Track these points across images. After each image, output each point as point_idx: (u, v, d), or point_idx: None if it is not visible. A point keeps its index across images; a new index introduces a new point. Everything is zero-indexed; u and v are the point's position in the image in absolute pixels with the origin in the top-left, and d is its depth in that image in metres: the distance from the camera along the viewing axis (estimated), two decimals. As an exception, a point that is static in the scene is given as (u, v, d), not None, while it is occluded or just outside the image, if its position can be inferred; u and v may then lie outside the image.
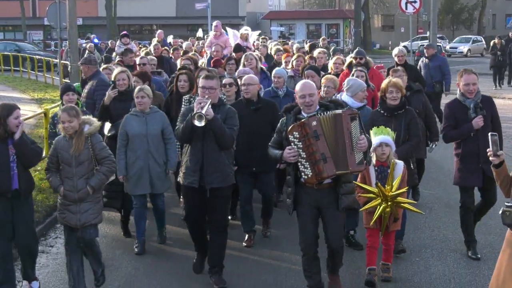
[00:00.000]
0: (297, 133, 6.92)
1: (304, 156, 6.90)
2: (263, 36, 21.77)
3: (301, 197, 7.14)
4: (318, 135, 6.86)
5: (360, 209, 7.96)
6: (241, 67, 11.63)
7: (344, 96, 9.28)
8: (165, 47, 18.18)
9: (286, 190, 7.40)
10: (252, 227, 9.37)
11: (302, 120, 6.95)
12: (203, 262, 8.21)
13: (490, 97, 8.82)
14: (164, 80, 12.57)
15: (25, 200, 7.56)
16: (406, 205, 7.80)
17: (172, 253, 9.12)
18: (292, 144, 6.97)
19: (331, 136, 6.93)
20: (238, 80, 10.33)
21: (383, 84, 8.83)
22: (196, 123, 7.35)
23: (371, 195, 7.66)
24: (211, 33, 17.87)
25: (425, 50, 16.57)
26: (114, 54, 19.18)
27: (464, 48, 57.00)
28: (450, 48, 55.75)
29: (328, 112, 7.03)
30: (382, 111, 8.75)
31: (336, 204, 7.06)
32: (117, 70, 10.33)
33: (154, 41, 20.08)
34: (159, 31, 21.72)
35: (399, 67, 11.31)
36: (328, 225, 7.17)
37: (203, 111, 7.36)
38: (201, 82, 7.83)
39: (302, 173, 6.97)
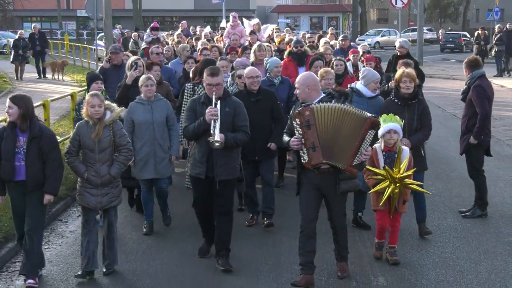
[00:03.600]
0: (298, 120, 6.71)
1: (303, 142, 6.70)
2: (276, 26, 22.30)
3: (303, 179, 6.95)
4: (309, 125, 6.60)
5: (369, 191, 7.69)
6: (252, 57, 11.19)
7: (358, 85, 8.75)
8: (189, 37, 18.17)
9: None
10: (256, 209, 8.95)
11: (299, 109, 6.75)
12: (209, 247, 7.78)
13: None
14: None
15: (35, 191, 6.88)
16: (413, 186, 7.52)
17: (179, 235, 8.66)
18: (295, 129, 6.77)
19: (327, 126, 6.64)
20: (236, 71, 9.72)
21: (397, 74, 8.52)
22: (215, 146, 7.09)
23: (380, 177, 7.42)
24: (229, 24, 17.57)
25: (341, 42, 15.53)
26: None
27: (372, 40, 53.94)
28: (359, 40, 52.71)
29: (328, 104, 6.71)
30: (396, 100, 8.39)
31: (335, 188, 6.85)
32: (132, 58, 9.87)
33: (178, 31, 20.21)
34: (183, 21, 21.83)
35: (373, 62, 11.06)
36: (330, 206, 6.98)
37: (216, 138, 7.01)
38: (207, 79, 7.31)
39: (302, 158, 6.78)
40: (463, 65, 9.51)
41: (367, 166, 7.35)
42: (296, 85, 7.01)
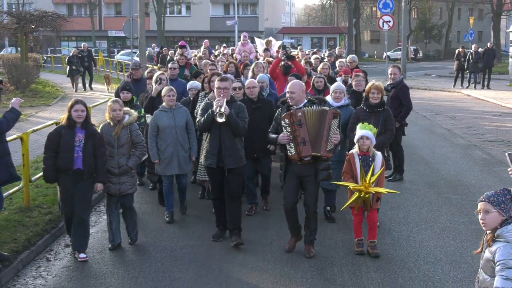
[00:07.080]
0: (287, 120, 7.23)
1: (291, 138, 7.23)
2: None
3: (288, 169, 7.48)
4: (301, 123, 7.15)
5: (341, 208, 8.08)
6: (250, 73, 11.71)
7: (328, 96, 9.19)
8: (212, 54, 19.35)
9: (280, 163, 7.72)
10: (254, 200, 9.45)
11: (291, 111, 7.27)
12: (222, 234, 8.22)
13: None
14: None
15: (87, 179, 7.38)
16: (383, 191, 7.59)
17: (191, 221, 9.11)
18: (283, 128, 7.27)
19: (312, 125, 7.20)
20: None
21: (368, 86, 8.93)
22: (218, 119, 7.50)
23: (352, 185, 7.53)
24: (239, 42, 18.53)
25: (326, 58, 16.28)
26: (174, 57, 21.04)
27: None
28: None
29: (315, 106, 7.29)
30: (365, 108, 8.79)
31: (314, 177, 7.36)
32: (157, 73, 10.11)
33: (202, 48, 21.43)
34: (206, 40, 23.20)
35: (360, 73, 11.33)
36: (307, 191, 7.53)
37: (223, 110, 7.48)
38: (217, 83, 7.78)
39: (288, 151, 7.31)
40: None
41: (335, 182, 8.06)
42: (291, 90, 7.42)
